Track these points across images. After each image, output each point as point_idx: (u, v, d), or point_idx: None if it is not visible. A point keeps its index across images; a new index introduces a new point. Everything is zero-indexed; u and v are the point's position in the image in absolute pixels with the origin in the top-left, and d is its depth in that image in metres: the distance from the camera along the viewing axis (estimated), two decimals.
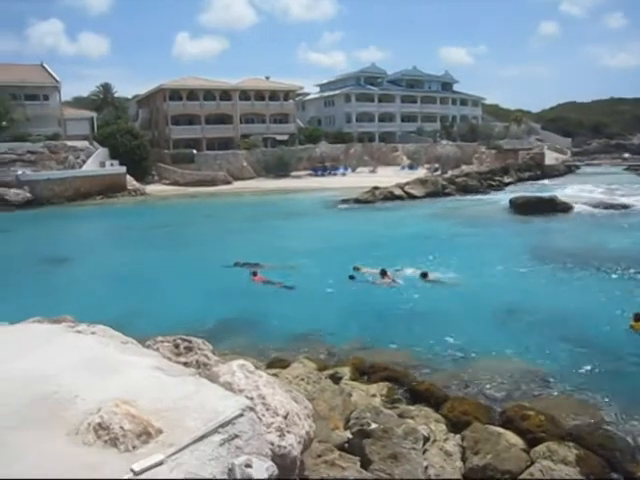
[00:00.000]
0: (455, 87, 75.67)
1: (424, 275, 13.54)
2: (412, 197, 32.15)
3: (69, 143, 42.97)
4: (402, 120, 68.12)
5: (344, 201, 31.22)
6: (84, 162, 41.66)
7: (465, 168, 45.47)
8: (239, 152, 52.18)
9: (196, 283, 14.05)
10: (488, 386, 7.21)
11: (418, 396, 6.72)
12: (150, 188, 43.09)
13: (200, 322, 10.59)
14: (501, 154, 52.43)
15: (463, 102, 74.05)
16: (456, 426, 5.86)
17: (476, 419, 5.85)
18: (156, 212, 31.68)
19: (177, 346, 5.28)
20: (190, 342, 5.31)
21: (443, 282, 13.10)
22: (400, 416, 5.82)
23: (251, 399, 3.88)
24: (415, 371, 7.80)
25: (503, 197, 29.95)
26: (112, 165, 42.16)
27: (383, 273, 13.56)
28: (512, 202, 25.84)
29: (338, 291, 12.72)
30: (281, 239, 19.85)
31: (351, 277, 13.61)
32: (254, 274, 13.86)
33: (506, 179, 39.95)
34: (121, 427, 3.28)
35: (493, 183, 37.66)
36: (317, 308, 11.56)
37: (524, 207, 24.67)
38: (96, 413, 3.47)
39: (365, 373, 7.48)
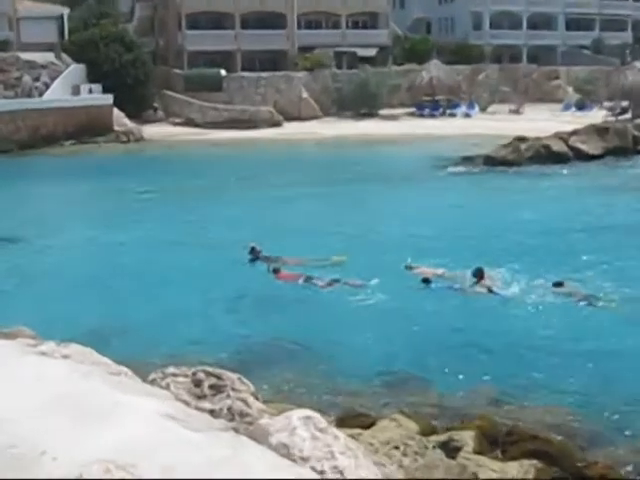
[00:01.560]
0: None
1: (558, 284, 13.66)
2: (582, 156, 29.94)
3: (24, 56, 42.39)
4: (567, 28, 64.18)
5: (466, 160, 30.61)
6: (47, 86, 41.33)
7: None
8: (295, 75, 50.10)
9: (214, 284, 14.41)
10: None
11: None
12: (150, 130, 43.34)
13: (222, 344, 10.92)
14: None
15: None
16: None
17: None
18: (157, 169, 32.35)
19: (198, 383, 5.41)
20: (219, 378, 5.45)
21: (591, 298, 13.09)
22: None
23: (321, 473, 3.94)
24: (581, 444, 7.86)
25: None
26: (91, 92, 42.23)
27: (478, 275, 13.70)
28: None
29: (419, 302, 13.29)
30: (353, 222, 20.22)
31: (426, 281, 13.92)
32: (275, 271, 15.02)
33: None
34: None
35: None
36: (395, 327, 12.05)
37: None
38: None
39: (498, 443, 7.64)
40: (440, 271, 14.73)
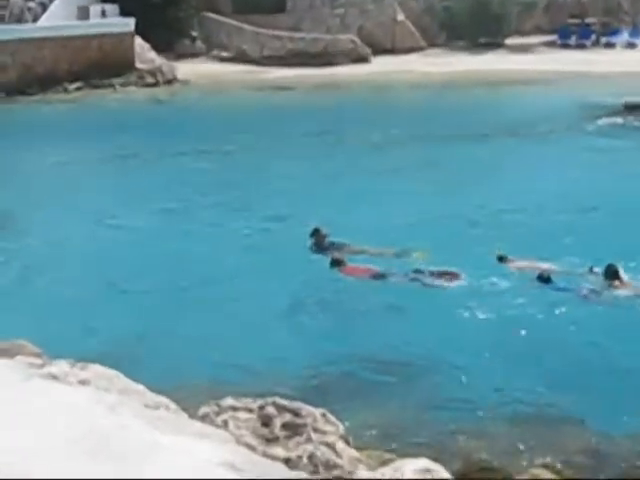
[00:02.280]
0: None
1: None
2: None
3: None
4: None
5: (630, 109, 29.01)
6: (44, 8, 37.41)
7: None
8: None
9: (268, 281, 14.37)
10: None
11: None
12: (186, 68, 39.50)
13: (290, 365, 10.93)
14: None
15: None
16: None
17: None
18: (194, 125, 29.55)
19: (267, 421, 5.42)
20: (296, 414, 5.46)
21: None
22: None
23: None
24: None
25: None
26: (104, 15, 37.98)
27: (612, 274, 13.66)
28: None
29: (539, 308, 13.19)
30: (456, 197, 19.67)
31: (543, 279, 13.96)
32: (337, 263, 15.10)
33: None
34: None
35: None
36: (513, 342, 12.03)
37: None
38: None
39: None
40: (546, 266, 14.41)
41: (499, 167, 23.38)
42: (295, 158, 25.17)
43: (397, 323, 13.24)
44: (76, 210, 20.46)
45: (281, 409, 5.61)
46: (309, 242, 16.13)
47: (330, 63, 42.46)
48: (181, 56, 42.78)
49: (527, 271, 14.75)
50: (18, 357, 6.27)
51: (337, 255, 15.54)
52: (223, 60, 43.81)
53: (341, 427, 5.58)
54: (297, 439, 5.29)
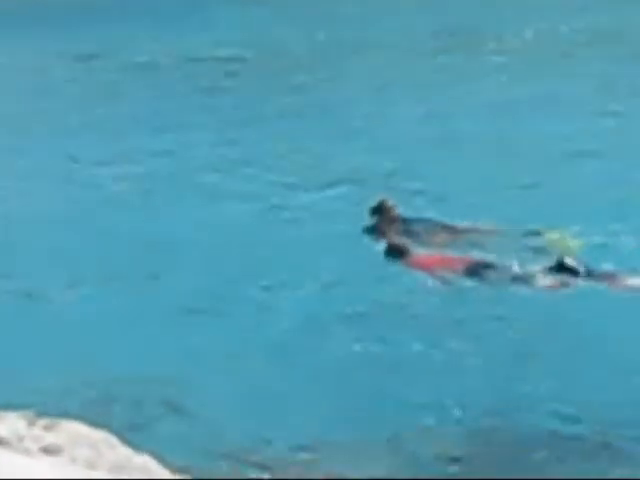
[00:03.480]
0: None
1: None
2: None
3: None
4: None
5: None
6: None
7: None
8: None
9: (310, 284, 11.82)
10: None
11: None
12: None
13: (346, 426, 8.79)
14: None
15: None
16: None
17: None
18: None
19: None
20: None
21: None
22: None
23: None
24: None
25: None
26: None
27: None
28: None
29: None
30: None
31: None
32: (398, 251, 11.92)
33: None
34: None
35: None
36: None
37: None
38: None
39: None
40: None
41: None
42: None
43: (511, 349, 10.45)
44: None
45: None
46: (369, 220, 12.66)
47: None
48: None
49: None
50: None
51: (396, 240, 12.13)
52: None
53: None
54: None
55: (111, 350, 11.06)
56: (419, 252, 11.36)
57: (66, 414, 5.07)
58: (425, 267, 11.07)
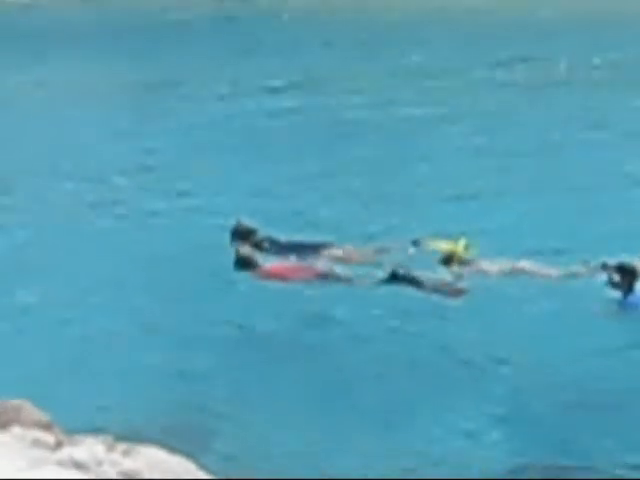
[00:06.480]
0: None
1: None
2: None
3: None
4: None
5: None
6: None
7: None
8: None
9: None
10: None
11: None
12: None
13: None
14: None
15: None
16: None
17: None
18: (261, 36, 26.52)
19: None
20: None
21: None
22: None
23: None
24: None
25: None
26: None
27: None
28: None
29: None
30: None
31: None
32: (246, 262, 12.00)
33: None
34: None
35: None
36: None
37: None
38: None
39: None
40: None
41: None
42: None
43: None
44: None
45: None
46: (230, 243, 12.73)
47: None
48: None
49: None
50: (15, 429, 5.05)
51: (245, 251, 12.07)
52: None
53: None
54: None
55: (189, 376, 10.90)
56: (268, 263, 12.00)
57: (144, 439, 4.99)
58: (274, 276, 11.81)
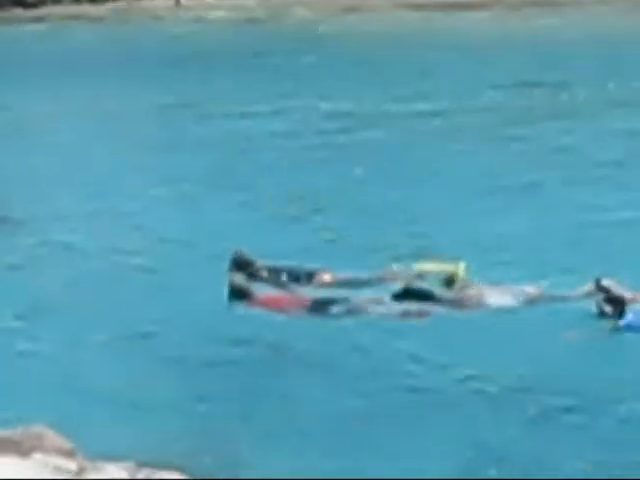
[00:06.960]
0: None
1: None
2: None
3: None
4: None
5: None
6: None
7: None
8: None
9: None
10: None
11: None
12: None
13: None
14: None
15: None
16: None
17: None
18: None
19: None
20: None
21: None
22: None
23: None
24: None
25: None
26: None
27: None
28: None
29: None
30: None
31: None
32: (241, 293, 12.64)
33: None
34: None
35: None
36: None
37: None
38: None
39: None
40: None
41: None
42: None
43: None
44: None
45: None
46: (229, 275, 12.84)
47: None
48: None
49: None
50: (37, 456, 5.21)
51: (239, 282, 12.36)
52: None
53: None
54: None
55: (208, 400, 10.81)
56: (262, 293, 12.10)
57: (166, 464, 5.14)
58: (268, 306, 11.90)
